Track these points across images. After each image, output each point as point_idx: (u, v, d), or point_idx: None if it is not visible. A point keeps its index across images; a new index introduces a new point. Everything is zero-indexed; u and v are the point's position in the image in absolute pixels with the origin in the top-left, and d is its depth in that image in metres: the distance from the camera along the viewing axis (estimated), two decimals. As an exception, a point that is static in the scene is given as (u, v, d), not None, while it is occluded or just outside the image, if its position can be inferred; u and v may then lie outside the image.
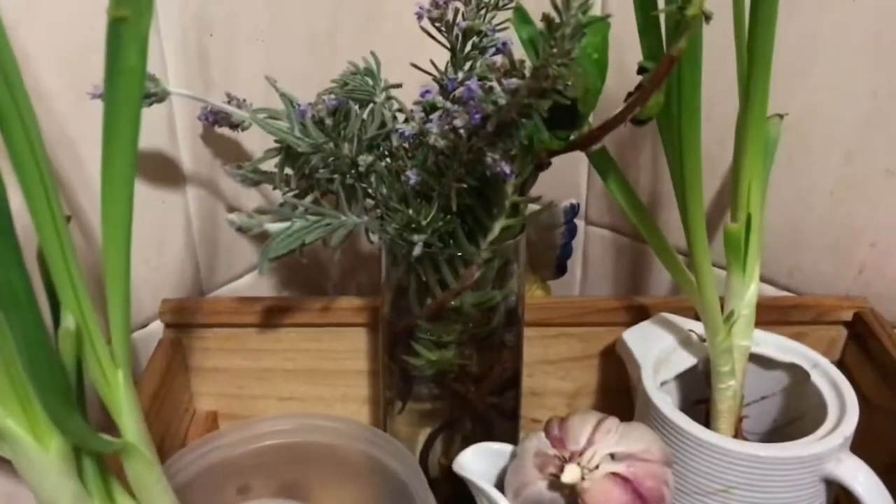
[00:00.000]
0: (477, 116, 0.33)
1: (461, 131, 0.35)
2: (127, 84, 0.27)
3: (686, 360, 0.47)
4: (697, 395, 0.47)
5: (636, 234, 0.63)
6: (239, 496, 0.45)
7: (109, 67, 0.27)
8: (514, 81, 0.31)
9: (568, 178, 0.64)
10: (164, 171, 0.50)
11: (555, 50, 0.29)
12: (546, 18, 0.28)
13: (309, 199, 0.43)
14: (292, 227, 0.41)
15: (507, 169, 0.35)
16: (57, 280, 0.29)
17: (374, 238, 0.42)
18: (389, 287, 0.44)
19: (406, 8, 0.41)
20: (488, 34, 0.41)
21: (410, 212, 0.38)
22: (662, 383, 0.45)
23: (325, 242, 0.42)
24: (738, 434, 0.45)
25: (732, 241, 0.43)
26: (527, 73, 0.32)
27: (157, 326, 0.52)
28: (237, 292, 0.57)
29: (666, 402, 0.43)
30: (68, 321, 0.29)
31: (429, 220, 0.38)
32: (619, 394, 0.53)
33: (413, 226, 0.39)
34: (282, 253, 0.40)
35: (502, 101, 0.33)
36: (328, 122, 0.40)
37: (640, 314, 0.51)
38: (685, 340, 0.48)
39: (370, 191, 0.42)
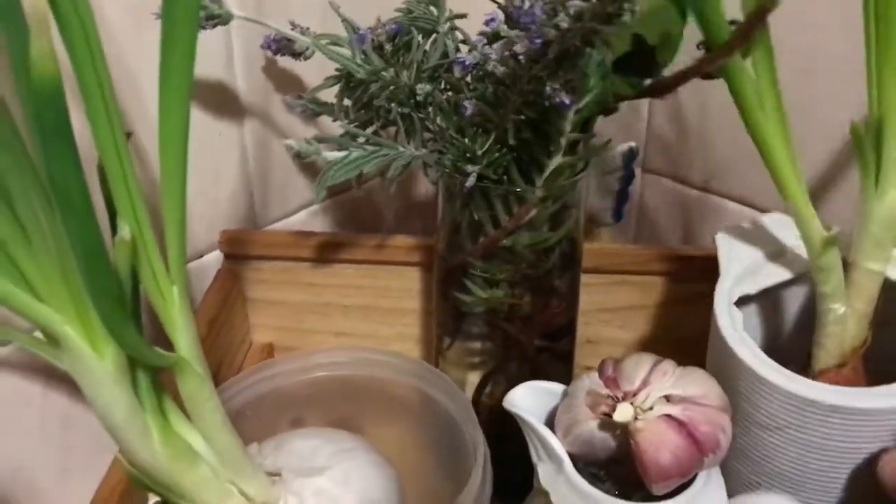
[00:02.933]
0: (538, 41, 0.32)
1: (521, 58, 0.34)
2: (185, 4, 0.27)
3: (781, 273, 0.42)
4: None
5: (695, 182, 0.61)
6: (291, 428, 0.45)
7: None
8: (577, 3, 0.30)
9: (626, 122, 0.62)
10: (222, 102, 0.50)
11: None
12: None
13: (368, 131, 0.42)
14: (350, 156, 0.40)
15: (566, 100, 0.34)
16: (115, 189, 0.29)
17: (431, 172, 0.41)
18: (444, 224, 0.44)
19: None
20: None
21: (466, 141, 0.37)
22: (746, 297, 0.42)
23: (382, 174, 0.41)
24: (844, 368, 0.40)
25: (857, 139, 0.36)
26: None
27: (211, 258, 0.52)
28: (291, 228, 0.58)
29: (731, 321, 0.40)
30: (124, 230, 0.29)
31: (484, 150, 0.37)
32: (677, 345, 0.52)
33: (468, 156, 0.38)
34: (338, 181, 0.40)
35: (565, 26, 0.31)
36: (388, 48, 0.39)
37: (703, 264, 0.49)
38: (789, 248, 0.42)
39: (428, 123, 0.41)
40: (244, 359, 0.53)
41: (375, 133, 0.42)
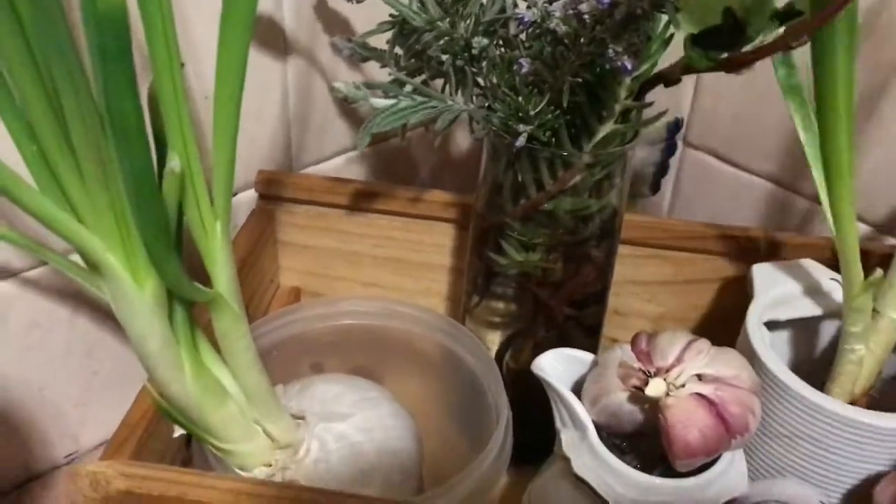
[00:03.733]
0: (606, 1, 0.31)
1: (585, 17, 0.33)
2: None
3: (810, 308, 0.44)
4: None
5: (737, 161, 0.60)
6: (311, 372, 0.46)
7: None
8: (654, -35, 0.29)
9: (670, 92, 0.61)
10: (268, 39, 0.49)
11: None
12: None
13: (418, 80, 0.42)
14: (398, 104, 0.40)
15: (628, 64, 0.33)
16: (167, 120, 0.29)
17: (478, 128, 0.41)
18: (486, 182, 0.43)
19: None
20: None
21: (520, 100, 0.37)
22: (775, 322, 0.44)
23: (428, 126, 0.41)
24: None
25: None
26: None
27: (245, 197, 0.52)
28: (325, 174, 0.57)
29: (760, 334, 0.41)
30: (174, 162, 0.29)
31: (537, 110, 0.37)
32: (706, 323, 0.51)
33: (520, 115, 0.37)
34: (384, 129, 0.40)
35: (637, -12, 0.31)
36: (447, -1, 0.38)
37: (737, 244, 0.49)
38: (819, 288, 0.45)
39: (479, 79, 0.40)
40: (271, 300, 0.53)
41: (424, 83, 0.42)
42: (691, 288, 0.51)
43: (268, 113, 0.51)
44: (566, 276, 0.44)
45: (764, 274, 0.45)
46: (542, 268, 0.43)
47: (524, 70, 0.37)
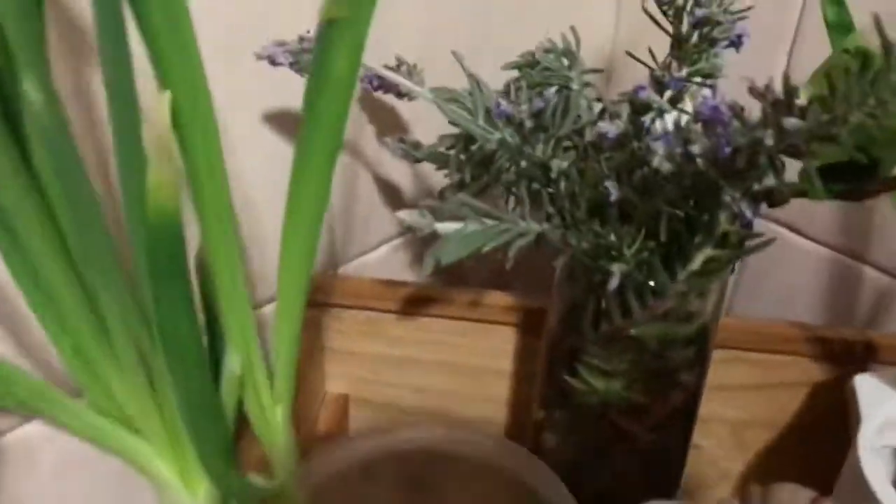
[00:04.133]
0: (727, 149, 0.27)
1: (698, 160, 0.28)
2: (333, 95, 0.22)
3: None
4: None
5: (808, 233, 0.55)
6: None
7: (315, 74, 0.21)
8: (794, 122, 0.24)
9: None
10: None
11: (870, 94, 0.22)
12: (883, 44, 0.21)
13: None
14: (465, 229, 0.35)
15: (747, 212, 0.29)
16: (228, 320, 0.25)
17: (555, 253, 0.36)
18: (561, 300, 0.39)
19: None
20: (724, 23, 0.34)
21: (612, 237, 0.32)
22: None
23: (502, 252, 0.36)
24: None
25: None
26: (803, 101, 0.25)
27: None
28: (370, 265, 0.53)
29: (874, 466, 0.37)
30: (234, 364, 0.24)
31: (634, 248, 0.32)
32: (795, 431, 0.47)
33: (612, 253, 0.33)
34: (453, 259, 0.35)
35: (760, 136, 0.26)
36: (528, 124, 0.34)
37: (837, 348, 0.44)
38: None
39: (557, 200, 0.36)
40: (319, 408, 0.49)
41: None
42: (779, 392, 0.46)
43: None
44: (651, 403, 0.39)
45: (870, 388, 0.41)
46: (625, 397, 0.38)
47: (612, 198, 0.32)
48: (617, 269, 0.33)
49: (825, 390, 0.45)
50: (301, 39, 0.37)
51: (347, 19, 0.20)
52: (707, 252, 0.34)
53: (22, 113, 0.20)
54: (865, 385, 0.41)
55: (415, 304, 0.47)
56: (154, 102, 0.19)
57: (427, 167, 0.52)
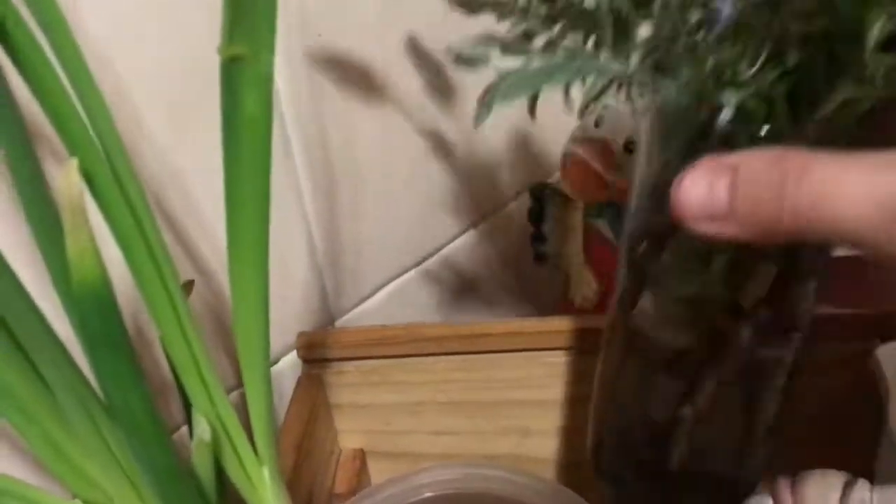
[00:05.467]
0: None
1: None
2: (249, 136, 0.21)
3: None
4: None
5: None
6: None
7: (227, 118, 0.21)
8: None
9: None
10: (282, 194, 0.44)
11: None
12: None
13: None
14: (528, 65, 0.28)
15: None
16: (184, 376, 0.24)
17: (642, 99, 0.29)
18: (648, 174, 0.31)
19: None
20: None
21: (727, 52, 0.25)
22: None
23: (568, 92, 0.30)
24: None
25: None
26: None
27: (288, 362, 0.47)
28: (368, 314, 0.52)
29: None
30: (202, 429, 0.23)
31: (754, 70, 0.25)
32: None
33: (725, 79, 0.26)
34: (510, 99, 0.28)
35: None
36: None
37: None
38: None
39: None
40: (336, 469, 0.47)
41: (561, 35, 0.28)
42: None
43: (296, 266, 0.47)
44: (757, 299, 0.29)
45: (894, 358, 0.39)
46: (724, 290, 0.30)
47: (725, 14, 0.25)
48: (731, 97, 0.25)
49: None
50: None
51: (249, 56, 0.19)
52: (848, 90, 0.25)
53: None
54: (889, 356, 0.39)
55: (414, 344, 0.45)
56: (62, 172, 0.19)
57: (410, 211, 0.52)
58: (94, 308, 0.19)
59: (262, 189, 0.22)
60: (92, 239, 0.19)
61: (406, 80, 0.48)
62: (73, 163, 0.19)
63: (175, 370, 0.24)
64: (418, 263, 0.54)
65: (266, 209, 0.22)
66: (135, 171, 0.21)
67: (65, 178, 0.19)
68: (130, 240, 0.21)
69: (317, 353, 0.46)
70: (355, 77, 0.46)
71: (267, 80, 0.20)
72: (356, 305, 0.51)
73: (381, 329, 0.46)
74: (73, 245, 0.19)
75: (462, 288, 0.57)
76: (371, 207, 0.49)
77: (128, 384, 0.20)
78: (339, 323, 0.50)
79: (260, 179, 0.21)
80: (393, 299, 0.53)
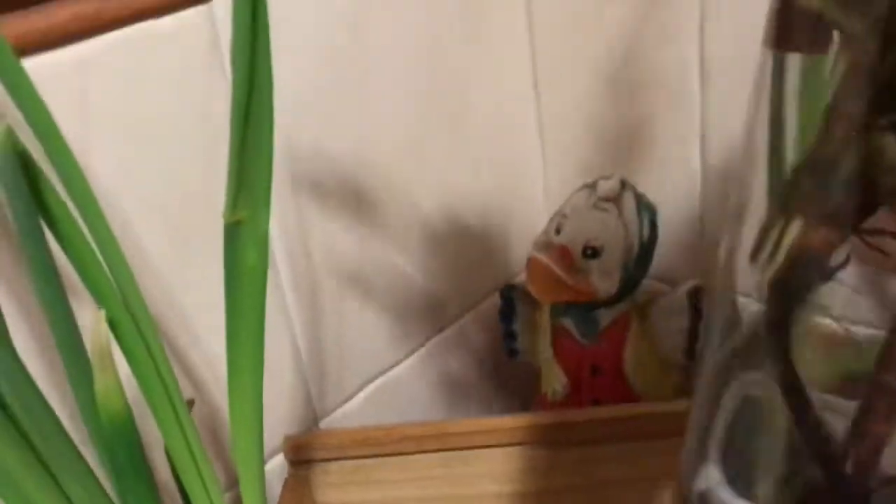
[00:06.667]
0: None
1: None
2: (250, 284, 0.25)
3: None
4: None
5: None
6: None
7: (229, 269, 0.24)
8: None
9: (685, 258, 0.60)
10: (268, 305, 0.48)
11: None
12: None
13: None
14: None
15: None
16: (187, 483, 0.27)
17: None
18: None
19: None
20: None
21: None
22: None
23: None
24: None
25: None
26: None
27: (275, 463, 0.50)
28: (351, 414, 0.55)
29: None
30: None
31: None
32: None
33: None
34: None
35: None
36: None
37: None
38: None
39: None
40: (322, 567, 0.50)
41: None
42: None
43: (281, 371, 0.50)
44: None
45: None
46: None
47: None
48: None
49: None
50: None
51: (249, 221, 0.23)
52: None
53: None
54: None
55: (394, 445, 0.48)
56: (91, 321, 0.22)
57: (389, 315, 0.55)
58: (121, 441, 0.22)
59: (259, 325, 0.25)
60: (118, 379, 0.22)
61: (381, 196, 0.52)
62: (102, 314, 0.23)
63: (177, 473, 0.27)
64: (398, 364, 0.58)
65: (261, 341, 0.26)
66: (149, 313, 0.24)
67: (94, 327, 0.22)
68: (145, 370, 0.24)
69: (302, 454, 0.49)
70: (335, 195, 0.50)
71: (264, 238, 0.24)
72: (341, 404, 0.54)
73: (364, 430, 0.49)
74: (100, 384, 0.22)
75: (441, 385, 0.61)
76: (351, 313, 0.53)
77: (143, 495, 0.23)
78: (323, 424, 0.53)
79: (257, 317, 0.25)
80: (374, 399, 0.56)
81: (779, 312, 0.25)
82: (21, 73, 0.23)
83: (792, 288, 0.25)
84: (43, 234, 0.22)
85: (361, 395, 0.56)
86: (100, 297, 0.22)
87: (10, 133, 0.23)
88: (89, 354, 0.22)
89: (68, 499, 0.25)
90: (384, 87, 0.50)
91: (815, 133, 0.24)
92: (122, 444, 0.22)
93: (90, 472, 0.24)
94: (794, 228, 0.24)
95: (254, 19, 0.23)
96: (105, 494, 0.25)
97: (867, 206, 0.23)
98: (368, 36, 0.49)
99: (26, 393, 0.23)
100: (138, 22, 0.39)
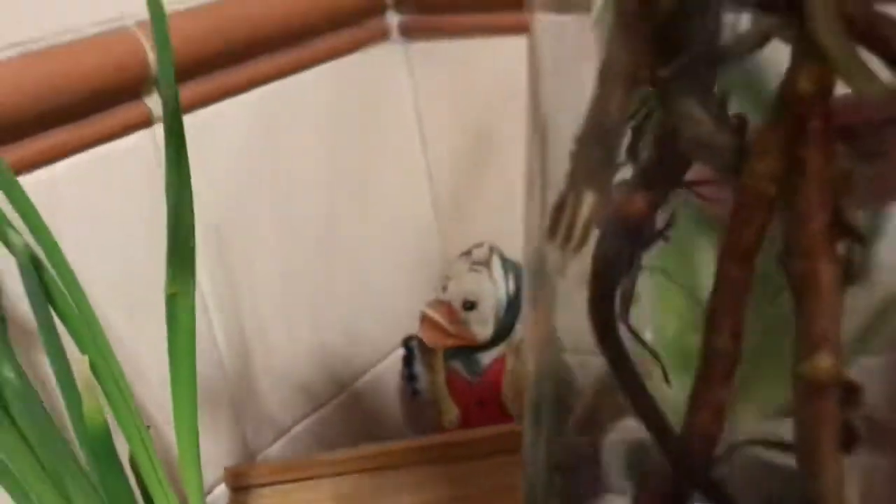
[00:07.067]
0: None
1: None
2: (184, 340, 0.37)
3: None
4: None
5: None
6: None
7: (170, 328, 0.36)
8: None
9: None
10: (202, 348, 0.59)
11: None
12: None
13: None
14: None
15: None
16: (151, 489, 0.38)
17: None
18: None
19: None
20: None
21: None
22: None
23: None
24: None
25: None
26: None
27: (218, 493, 0.61)
28: (283, 449, 0.66)
29: None
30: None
31: None
32: None
33: None
34: None
35: None
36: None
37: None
38: None
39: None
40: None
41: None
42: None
43: (219, 412, 0.61)
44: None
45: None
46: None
47: None
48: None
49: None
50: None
51: (181, 293, 0.35)
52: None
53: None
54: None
55: (317, 469, 0.60)
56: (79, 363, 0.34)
57: (311, 360, 0.67)
58: (101, 443, 0.34)
59: (192, 371, 0.37)
60: (99, 403, 0.34)
61: (301, 264, 0.65)
62: (86, 359, 0.34)
63: (141, 478, 0.38)
64: (326, 404, 0.69)
65: (194, 383, 0.38)
66: (116, 360, 0.36)
67: (81, 368, 0.34)
68: (116, 399, 0.36)
69: (240, 482, 0.60)
70: (258, 243, 0.62)
71: (192, 306, 0.36)
72: (272, 443, 0.65)
73: (293, 460, 0.61)
74: (87, 406, 0.34)
75: (364, 420, 0.72)
76: (280, 363, 0.65)
77: (123, 490, 0.35)
78: (259, 457, 0.65)
79: (191, 365, 0.37)
80: (304, 435, 0.67)
81: (603, 286, 0.25)
82: (22, 193, 0.35)
83: (614, 260, 0.25)
84: (49, 308, 0.34)
85: (292, 432, 0.67)
86: (84, 348, 0.34)
87: (27, 247, 0.35)
88: (78, 386, 0.34)
89: (65, 492, 0.36)
90: (298, 177, 0.63)
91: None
92: (102, 450, 0.34)
93: (81, 470, 0.35)
94: (589, 200, 0.23)
95: (177, 149, 0.36)
96: (93, 488, 0.36)
97: (680, 161, 0.24)
98: (280, 139, 0.62)
99: (35, 410, 0.34)
100: (97, 146, 0.51)
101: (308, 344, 0.67)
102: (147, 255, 0.53)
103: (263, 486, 0.60)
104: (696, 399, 0.23)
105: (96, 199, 0.50)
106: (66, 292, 0.34)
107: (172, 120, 0.34)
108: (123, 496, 0.35)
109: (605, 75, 0.22)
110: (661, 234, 0.25)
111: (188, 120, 0.42)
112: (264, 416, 0.65)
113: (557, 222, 0.23)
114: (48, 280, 0.34)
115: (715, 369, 0.22)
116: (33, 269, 0.33)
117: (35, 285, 0.33)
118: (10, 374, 0.33)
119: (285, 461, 0.61)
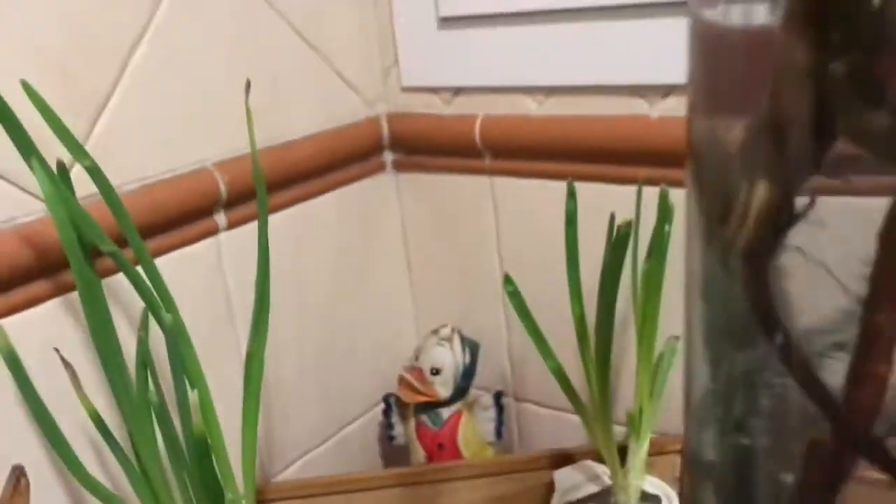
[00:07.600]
0: None
1: None
2: (254, 384, 0.58)
3: (590, 488, 0.75)
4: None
5: (549, 404, 0.92)
6: None
7: (246, 376, 0.58)
8: None
9: (492, 367, 0.95)
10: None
11: None
12: None
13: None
14: None
15: None
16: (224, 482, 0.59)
17: None
18: None
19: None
20: None
21: None
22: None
23: None
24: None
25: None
26: None
27: None
28: (292, 474, 0.87)
29: None
30: None
31: None
32: None
33: None
34: None
35: None
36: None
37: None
38: (595, 477, 0.76)
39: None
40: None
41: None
42: None
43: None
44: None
45: (562, 474, 0.76)
46: None
47: None
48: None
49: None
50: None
51: (255, 352, 0.57)
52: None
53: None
54: (559, 474, 0.76)
55: (315, 488, 0.80)
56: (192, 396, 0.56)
57: (315, 407, 0.88)
58: (201, 448, 0.55)
59: (256, 401, 0.59)
60: (200, 421, 0.55)
61: (309, 322, 0.86)
62: (195, 393, 0.56)
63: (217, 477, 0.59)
64: (321, 444, 0.90)
65: (257, 408, 0.59)
66: (210, 397, 0.58)
67: (192, 399, 0.56)
68: (210, 423, 0.57)
69: (259, 496, 0.80)
70: (281, 319, 0.83)
71: (262, 361, 0.58)
72: (282, 471, 0.86)
73: (304, 479, 0.81)
74: (195, 423, 0.55)
75: (353, 460, 0.93)
76: (290, 410, 0.85)
77: (210, 474, 0.55)
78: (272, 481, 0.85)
79: (255, 397, 0.59)
80: (306, 466, 0.88)
81: (761, 248, 0.25)
82: (160, 278, 0.58)
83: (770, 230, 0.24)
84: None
85: (299, 462, 0.87)
86: (193, 386, 0.55)
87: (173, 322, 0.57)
88: (190, 410, 0.55)
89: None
90: (311, 274, 0.86)
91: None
92: (201, 449, 0.55)
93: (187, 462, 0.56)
94: (761, 192, 0.23)
95: (264, 251, 0.58)
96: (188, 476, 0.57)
97: (822, 147, 0.23)
98: (300, 246, 0.84)
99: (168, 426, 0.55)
100: (184, 247, 0.73)
101: (313, 395, 0.88)
102: (225, 326, 0.74)
103: (276, 500, 0.81)
104: (856, 373, 0.23)
105: (182, 283, 0.72)
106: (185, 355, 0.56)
107: (261, 235, 0.57)
108: (209, 476, 0.56)
109: (779, 70, 0.22)
110: (800, 216, 0.24)
111: (245, 229, 0.66)
112: (278, 448, 0.86)
113: (730, 210, 0.24)
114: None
115: (875, 345, 0.23)
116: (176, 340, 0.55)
117: (176, 353, 0.55)
118: (154, 398, 0.54)
119: (299, 480, 0.81)
